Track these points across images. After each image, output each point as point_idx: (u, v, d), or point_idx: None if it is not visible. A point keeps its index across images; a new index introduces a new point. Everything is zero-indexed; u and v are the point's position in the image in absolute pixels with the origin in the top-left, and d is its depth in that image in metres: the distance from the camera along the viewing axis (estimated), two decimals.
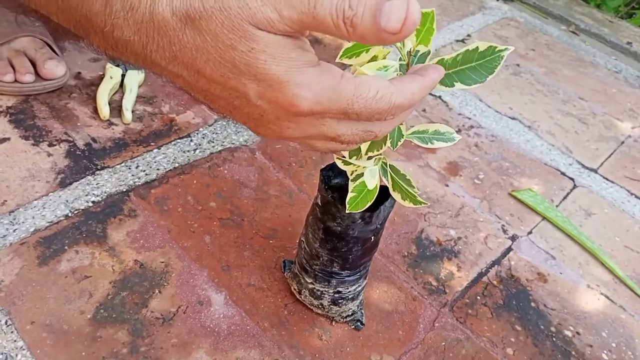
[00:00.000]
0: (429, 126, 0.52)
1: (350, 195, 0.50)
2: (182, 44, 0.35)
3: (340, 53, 0.45)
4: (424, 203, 0.50)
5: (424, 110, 1.01)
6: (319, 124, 0.38)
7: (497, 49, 0.42)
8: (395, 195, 0.51)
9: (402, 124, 0.46)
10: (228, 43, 0.34)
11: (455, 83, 0.43)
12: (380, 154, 0.49)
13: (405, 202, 0.51)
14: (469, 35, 1.26)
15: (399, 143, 0.47)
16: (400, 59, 0.45)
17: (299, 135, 0.39)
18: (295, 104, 0.35)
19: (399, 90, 0.38)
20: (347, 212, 0.50)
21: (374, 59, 0.46)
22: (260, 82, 0.35)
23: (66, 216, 0.71)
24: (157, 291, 0.65)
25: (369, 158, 0.49)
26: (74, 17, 0.37)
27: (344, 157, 0.50)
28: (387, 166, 0.51)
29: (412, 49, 0.44)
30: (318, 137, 0.39)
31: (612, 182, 0.94)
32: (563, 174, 0.94)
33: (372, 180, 0.48)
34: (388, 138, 0.46)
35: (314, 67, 0.35)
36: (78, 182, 0.76)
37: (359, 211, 0.50)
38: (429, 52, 0.45)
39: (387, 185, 0.51)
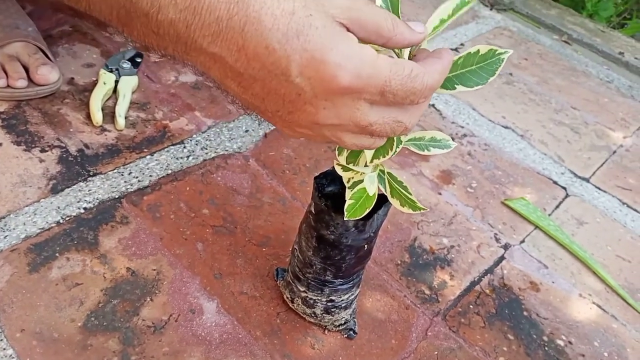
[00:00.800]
0: (425, 133, 0.52)
1: (348, 202, 0.49)
2: (231, 18, 0.35)
3: None
4: (424, 208, 0.50)
5: None
6: (353, 106, 0.38)
7: (497, 52, 0.43)
8: (394, 201, 0.51)
9: None
10: (289, 9, 0.35)
11: (456, 85, 0.44)
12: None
13: (404, 209, 0.50)
14: (462, 44, 1.27)
15: (398, 149, 0.47)
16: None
17: (332, 120, 0.39)
18: (336, 74, 0.36)
19: (428, 70, 0.40)
20: (345, 219, 0.50)
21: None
22: (305, 52, 0.35)
23: (57, 223, 0.71)
24: (148, 299, 0.65)
25: (368, 165, 0.49)
26: (117, 3, 0.37)
27: (342, 163, 0.50)
28: (384, 173, 0.51)
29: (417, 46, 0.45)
30: (349, 126, 0.40)
31: (604, 191, 0.95)
32: (555, 183, 0.94)
33: (372, 186, 0.48)
34: (395, 145, 0.46)
35: (356, 43, 0.37)
36: (70, 189, 0.75)
37: (357, 218, 0.50)
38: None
39: (385, 192, 0.51)
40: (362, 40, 0.38)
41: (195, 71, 0.42)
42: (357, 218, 0.50)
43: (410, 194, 0.50)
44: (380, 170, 0.50)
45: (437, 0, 1.43)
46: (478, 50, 0.44)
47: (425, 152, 0.51)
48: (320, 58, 0.36)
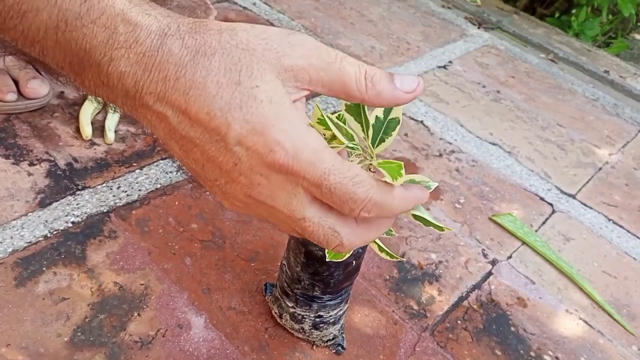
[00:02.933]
0: (404, 177, 0.51)
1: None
2: (178, 79, 0.35)
3: None
4: (401, 259, 0.51)
5: (406, 135, 1.02)
6: (290, 190, 0.37)
7: (422, 181, 0.44)
8: (373, 245, 0.52)
9: None
10: (235, 79, 0.35)
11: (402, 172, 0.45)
12: None
13: (382, 254, 0.51)
14: (450, 62, 1.29)
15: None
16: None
17: (266, 199, 0.37)
18: (274, 150, 0.35)
19: (380, 187, 0.37)
20: (327, 260, 0.50)
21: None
22: (246, 123, 0.35)
23: (45, 237, 0.71)
24: (136, 314, 0.65)
25: None
26: (71, 51, 0.36)
27: None
28: None
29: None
30: (283, 212, 0.37)
31: (590, 207, 0.96)
32: (542, 199, 0.95)
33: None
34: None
35: (303, 125, 0.36)
36: (58, 202, 0.75)
37: (339, 260, 0.50)
38: (398, 120, 0.46)
39: None
40: (333, 95, 0.37)
41: (145, 129, 0.42)
42: (341, 260, 0.50)
43: (384, 249, 0.50)
44: None
45: (425, 18, 1.46)
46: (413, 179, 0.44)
47: None
48: (261, 131, 0.35)
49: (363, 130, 0.45)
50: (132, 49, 0.35)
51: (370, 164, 0.45)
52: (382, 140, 0.46)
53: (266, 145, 0.35)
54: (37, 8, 0.35)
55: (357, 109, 0.45)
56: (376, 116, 0.46)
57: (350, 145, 0.45)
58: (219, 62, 0.35)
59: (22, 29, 0.36)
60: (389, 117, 0.45)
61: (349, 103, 0.45)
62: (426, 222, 0.49)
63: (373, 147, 0.46)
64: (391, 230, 0.51)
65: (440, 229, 0.49)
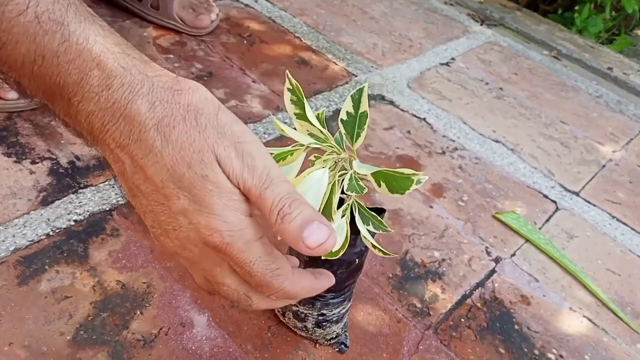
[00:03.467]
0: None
1: None
2: (140, 139, 0.37)
3: None
4: (394, 255, 0.51)
5: (408, 132, 1.02)
6: (217, 262, 0.41)
7: (405, 174, 0.45)
8: (366, 242, 0.52)
9: (359, 181, 0.48)
10: (188, 160, 0.37)
11: (381, 182, 0.46)
12: (352, 201, 0.50)
13: (375, 251, 0.52)
14: (453, 59, 1.28)
15: (364, 192, 0.48)
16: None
17: (192, 260, 0.42)
18: (213, 235, 0.38)
19: (294, 280, 0.42)
20: (323, 258, 0.50)
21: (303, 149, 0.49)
22: (194, 204, 0.38)
23: (47, 235, 0.70)
24: (138, 312, 0.65)
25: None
26: (45, 83, 0.38)
27: None
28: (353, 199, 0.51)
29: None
30: (206, 273, 0.42)
31: (594, 205, 0.95)
32: (545, 196, 0.95)
33: (340, 237, 0.49)
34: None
35: (246, 217, 0.39)
36: (60, 201, 0.75)
37: (334, 258, 0.51)
38: (366, 113, 0.47)
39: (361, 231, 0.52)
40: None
41: (102, 157, 0.44)
42: (336, 257, 0.50)
43: (376, 246, 0.51)
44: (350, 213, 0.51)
45: (427, 15, 1.45)
46: (394, 170, 0.46)
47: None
48: (206, 216, 0.38)
49: (320, 132, 0.49)
50: (103, 95, 0.37)
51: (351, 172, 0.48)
52: (358, 135, 0.47)
53: (208, 228, 0.38)
54: (15, 41, 0.36)
55: (305, 116, 0.48)
56: (347, 112, 0.47)
57: (317, 145, 0.46)
58: (177, 137, 0.37)
59: (0, 57, 0.37)
60: (359, 112, 0.47)
61: (297, 111, 0.48)
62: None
63: (352, 142, 0.47)
64: (385, 226, 0.51)
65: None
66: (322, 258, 0.51)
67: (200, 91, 0.39)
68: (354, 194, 0.48)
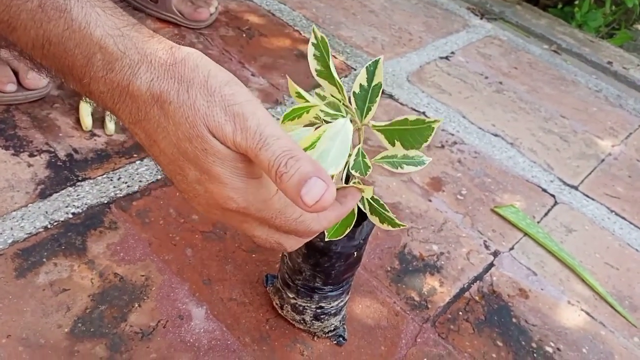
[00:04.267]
0: (397, 150, 0.51)
1: None
2: (147, 115, 0.39)
3: (281, 119, 0.46)
4: (403, 225, 0.51)
5: None
6: (242, 220, 0.42)
7: (426, 121, 0.44)
8: (374, 219, 0.51)
9: (365, 157, 0.48)
10: (186, 135, 0.38)
11: (395, 141, 0.46)
12: (357, 181, 0.50)
13: (383, 226, 0.51)
14: (453, 53, 1.28)
15: (368, 172, 0.47)
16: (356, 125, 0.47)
17: (221, 220, 0.43)
18: (227, 202, 0.39)
19: (319, 218, 0.43)
20: (327, 239, 0.50)
21: (317, 117, 0.47)
22: (203, 174, 0.39)
23: (45, 228, 0.70)
24: (136, 305, 0.65)
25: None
26: (56, 64, 0.40)
27: None
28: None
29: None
30: (238, 228, 0.44)
31: (593, 199, 0.95)
32: (544, 190, 0.95)
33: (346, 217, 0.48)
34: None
35: (255, 180, 0.40)
36: (58, 194, 0.75)
37: (339, 238, 0.50)
38: (380, 85, 0.46)
39: (364, 210, 0.51)
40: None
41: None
42: (340, 237, 0.50)
43: (388, 211, 0.50)
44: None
45: (427, 9, 1.45)
46: (407, 119, 0.45)
47: (399, 170, 0.51)
48: (217, 184, 0.39)
49: (339, 92, 0.46)
50: (109, 76, 0.39)
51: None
52: (369, 110, 0.47)
53: (221, 196, 0.39)
54: (24, 26, 0.38)
55: (328, 72, 0.46)
56: (360, 84, 0.46)
57: (331, 112, 0.45)
58: (173, 113, 0.38)
59: (12, 40, 0.39)
60: (372, 84, 0.46)
61: (319, 68, 0.46)
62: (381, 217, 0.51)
63: (361, 117, 0.46)
64: (395, 220, 0.50)
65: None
66: (326, 239, 0.51)
67: (191, 59, 0.39)
68: (357, 173, 0.47)
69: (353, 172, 0.47)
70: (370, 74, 0.46)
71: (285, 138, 0.38)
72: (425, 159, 0.51)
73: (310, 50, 0.47)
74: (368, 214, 0.51)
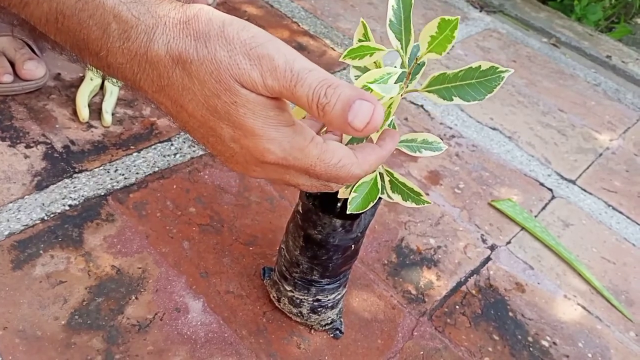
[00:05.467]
0: (416, 135, 0.52)
1: (351, 196, 0.49)
2: (170, 80, 0.38)
3: (345, 53, 0.46)
4: (427, 202, 0.50)
5: (406, 119, 1.01)
6: (283, 172, 0.41)
7: (497, 70, 0.43)
8: (396, 196, 0.51)
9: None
10: (213, 91, 0.36)
11: (453, 97, 0.44)
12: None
13: (407, 203, 0.50)
14: (452, 46, 1.27)
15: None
16: (402, 66, 0.45)
17: (263, 176, 0.42)
18: (264, 154, 0.38)
19: (359, 162, 0.41)
20: (348, 212, 0.49)
21: (377, 64, 0.47)
22: (237, 130, 0.38)
23: (42, 220, 0.70)
24: (133, 297, 0.64)
25: None
26: (71, 39, 0.39)
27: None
28: (382, 168, 0.51)
29: (418, 58, 0.45)
30: (280, 181, 0.43)
31: (590, 193, 0.95)
32: (542, 184, 0.95)
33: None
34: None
35: (289, 127, 0.38)
36: (55, 185, 0.75)
37: (362, 211, 0.49)
38: (423, 63, 0.46)
39: (384, 191, 0.51)
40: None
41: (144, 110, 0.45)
42: (363, 210, 0.49)
43: (413, 186, 0.50)
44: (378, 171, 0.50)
45: (426, 1, 1.44)
46: (479, 66, 0.43)
47: (417, 154, 0.51)
48: (251, 138, 0.38)
49: (402, 48, 0.46)
50: (126, 46, 0.37)
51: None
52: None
53: (257, 150, 0.38)
54: (37, 0, 0.37)
55: (400, 28, 0.45)
56: (392, 6, 0.46)
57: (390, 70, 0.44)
58: (196, 71, 0.37)
59: (25, 15, 0.38)
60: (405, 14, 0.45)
61: (392, 19, 0.45)
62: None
63: (404, 46, 0.45)
64: (420, 196, 0.50)
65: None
66: (319, 239, 0.51)
67: (203, 14, 0.38)
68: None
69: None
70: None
71: (317, 69, 0.36)
72: (443, 145, 0.51)
73: (391, 1, 0.46)
74: (389, 192, 0.51)
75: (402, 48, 0.46)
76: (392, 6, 0.45)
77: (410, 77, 0.46)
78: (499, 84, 0.43)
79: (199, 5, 0.38)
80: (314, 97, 0.35)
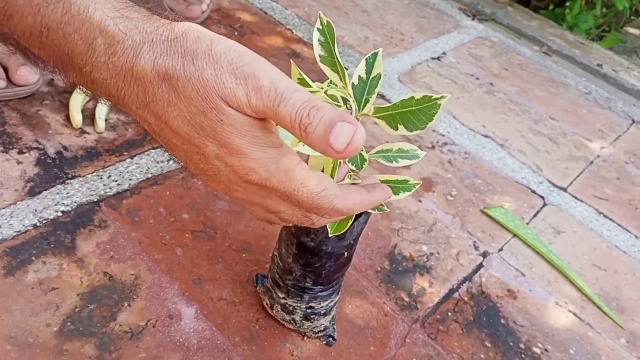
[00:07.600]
0: (392, 145, 0.51)
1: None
2: (156, 96, 0.37)
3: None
4: (418, 183, 0.50)
5: None
6: (265, 195, 0.41)
7: (432, 98, 0.43)
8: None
9: (362, 149, 0.47)
10: (200, 109, 0.37)
11: (398, 125, 0.45)
12: (352, 174, 0.50)
13: (400, 195, 0.50)
14: (444, 53, 1.28)
15: (364, 166, 0.47)
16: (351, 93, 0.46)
17: (244, 198, 0.42)
18: (248, 174, 0.38)
19: (343, 196, 0.41)
20: (330, 235, 0.50)
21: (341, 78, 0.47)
22: (222, 147, 0.38)
23: (34, 226, 0.70)
24: (126, 304, 0.64)
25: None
26: (55, 53, 0.38)
27: None
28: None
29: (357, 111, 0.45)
30: (261, 206, 0.42)
31: (581, 200, 0.96)
32: (533, 192, 0.96)
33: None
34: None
35: (275, 149, 0.39)
36: (47, 191, 0.74)
37: (341, 232, 0.50)
38: (379, 75, 0.46)
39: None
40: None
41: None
42: (342, 232, 0.50)
43: (397, 177, 0.50)
44: (355, 178, 0.50)
45: (419, 9, 1.45)
46: (413, 97, 0.44)
47: (394, 164, 0.51)
48: (236, 156, 0.38)
49: (341, 79, 0.46)
50: (111, 61, 0.37)
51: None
52: (367, 101, 0.46)
53: (242, 168, 0.38)
54: (21, 13, 0.37)
55: (332, 59, 0.46)
56: (359, 76, 0.46)
57: (335, 95, 0.45)
58: (182, 88, 0.37)
59: (8, 28, 0.38)
60: (371, 76, 0.46)
61: (322, 54, 0.46)
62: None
63: (359, 109, 0.46)
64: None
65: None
66: (312, 247, 0.51)
67: (192, 31, 0.38)
68: (353, 166, 0.47)
69: (349, 165, 0.47)
70: (370, 65, 0.46)
71: (302, 90, 0.36)
72: (419, 152, 0.51)
73: (315, 36, 0.46)
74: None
75: (340, 79, 0.46)
76: (319, 40, 0.46)
77: (363, 103, 0.46)
78: (436, 111, 0.43)
79: (187, 23, 0.38)
80: (297, 117, 0.35)
